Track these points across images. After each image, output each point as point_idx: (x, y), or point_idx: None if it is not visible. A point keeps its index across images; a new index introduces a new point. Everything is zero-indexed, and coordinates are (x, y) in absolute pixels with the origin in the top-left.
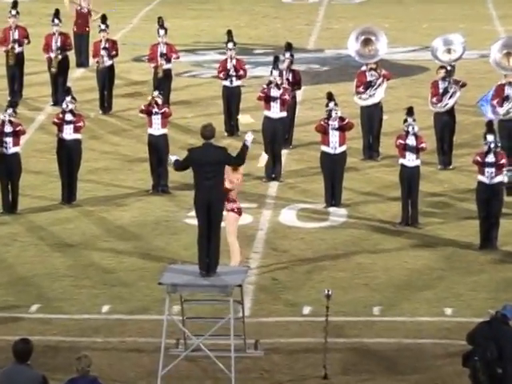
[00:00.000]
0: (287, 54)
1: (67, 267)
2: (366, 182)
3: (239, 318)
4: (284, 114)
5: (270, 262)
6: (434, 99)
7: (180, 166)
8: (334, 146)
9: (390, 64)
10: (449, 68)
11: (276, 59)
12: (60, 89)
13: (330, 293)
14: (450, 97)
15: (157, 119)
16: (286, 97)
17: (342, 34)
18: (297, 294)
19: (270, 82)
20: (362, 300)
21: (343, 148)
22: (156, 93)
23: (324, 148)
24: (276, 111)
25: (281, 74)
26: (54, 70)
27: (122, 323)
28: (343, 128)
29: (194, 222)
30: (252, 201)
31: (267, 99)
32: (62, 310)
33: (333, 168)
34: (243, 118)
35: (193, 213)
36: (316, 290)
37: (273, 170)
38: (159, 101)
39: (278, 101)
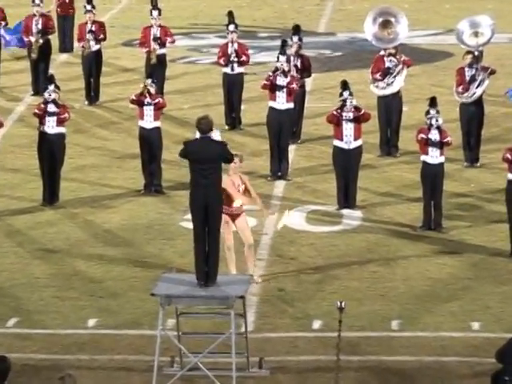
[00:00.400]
0: (295, 38)
1: (49, 276)
2: (384, 181)
3: (241, 334)
4: (291, 104)
5: (275, 270)
6: (460, 88)
7: (182, 154)
8: (348, 140)
9: (410, 49)
10: (476, 53)
11: (283, 43)
12: (41, 76)
13: (343, 305)
14: (478, 85)
15: (149, 110)
16: (294, 86)
17: (357, 16)
18: (306, 306)
19: (276, 69)
20: (378, 313)
21: (358, 142)
22: (148, 81)
23: (337, 142)
24: (282, 102)
25: (288, 60)
26: (34, 55)
27: (111, 339)
28: (358, 119)
29: (191, 225)
30: (258, 188)
31: (272, 88)
32: (43, 324)
33: (346, 165)
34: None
35: (189, 215)
36: (327, 301)
37: (279, 168)
38: (152, 90)
39: (285, 90)
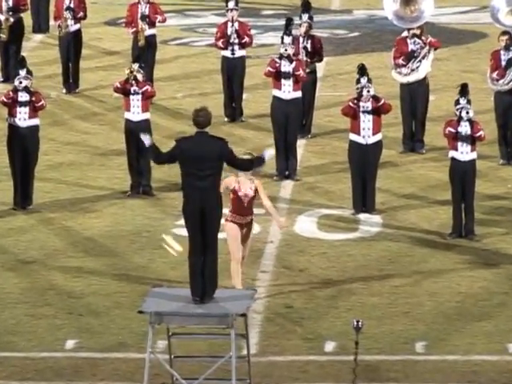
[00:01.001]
0: (305, 17)
1: (21, 291)
2: (407, 181)
3: (243, 357)
4: (298, 93)
5: (282, 283)
6: (495, 74)
7: (163, 157)
8: (366, 135)
9: (438, 29)
10: None
11: (288, 22)
12: (12, 60)
13: (360, 324)
14: None
15: (136, 100)
16: (301, 72)
17: None
18: (317, 325)
19: (281, 55)
20: (401, 333)
21: (378, 137)
22: (135, 66)
23: (353, 137)
24: (288, 90)
25: (294, 42)
26: (4, 36)
27: (93, 363)
28: (378, 111)
29: (185, 232)
30: (259, 205)
31: (277, 75)
32: (14, 346)
33: (364, 163)
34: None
35: (182, 221)
36: (342, 320)
37: (286, 166)
38: (139, 77)
39: (291, 78)
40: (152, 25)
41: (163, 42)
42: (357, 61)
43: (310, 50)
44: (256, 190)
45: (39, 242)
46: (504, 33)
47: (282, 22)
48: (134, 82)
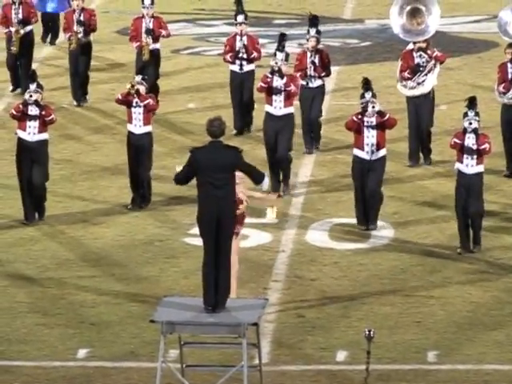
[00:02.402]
0: (312, 31)
1: (33, 300)
2: (418, 192)
3: (254, 366)
4: (290, 109)
5: (294, 293)
6: (501, 87)
7: (183, 175)
8: (370, 150)
9: (450, 38)
10: None
11: (282, 38)
12: (23, 73)
13: (371, 333)
14: None
15: (138, 113)
16: (292, 88)
17: (387, 0)
18: (329, 335)
19: (272, 70)
20: (412, 343)
21: (382, 153)
22: (138, 78)
23: (357, 152)
24: (279, 106)
25: (286, 58)
26: (14, 49)
27: (104, 372)
28: (382, 126)
29: (197, 241)
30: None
31: (269, 91)
32: (26, 355)
33: (367, 179)
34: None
35: (195, 230)
36: (354, 329)
37: (279, 184)
38: (142, 89)
39: (282, 93)
40: (156, 39)
41: (175, 52)
42: (368, 70)
43: (318, 64)
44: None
45: (51, 251)
46: (510, 45)
47: (294, 31)
48: (135, 94)
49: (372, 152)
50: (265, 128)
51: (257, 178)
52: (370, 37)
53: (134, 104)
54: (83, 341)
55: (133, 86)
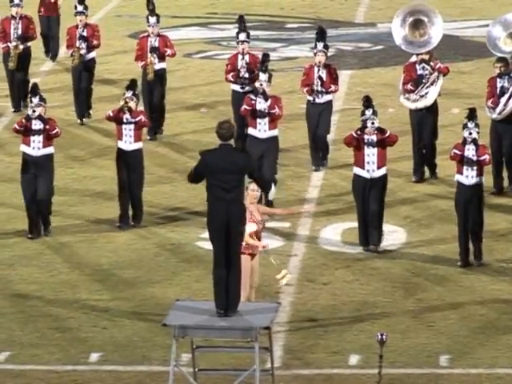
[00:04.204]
0: (320, 45)
1: (45, 303)
2: (430, 196)
3: (267, 370)
4: (274, 132)
5: (306, 297)
6: (490, 102)
7: (194, 176)
8: (371, 168)
9: (462, 42)
10: (510, 60)
11: (265, 58)
12: (18, 89)
13: (384, 337)
14: (509, 99)
15: (128, 130)
16: (276, 110)
17: (400, 4)
18: (341, 338)
19: (256, 91)
20: (425, 347)
21: (382, 171)
22: (129, 93)
23: (357, 170)
24: (264, 129)
25: (270, 80)
26: (12, 64)
27: (117, 376)
28: (383, 143)
29: (209, 245)
30: (283, 219)
31: (253, 114)
32: (38, 359)
33: (368, 198)
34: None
35: (206, 233)
36: (366, 333)
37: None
38: (132, 105)
39: (266, 116)
40: (162, 58)
41: (187, 56)
42: (381, 74)
43: (325, 79)
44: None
45: (63, 255)
46: (499, 60)
47: (307, 35)
48: (127, 111)
49: (372, 170)
50: (248, 151)
51: (265, 185)
52: (382, 41)
53: (125, 120)
54: (95, 345)
55: (126, 103)
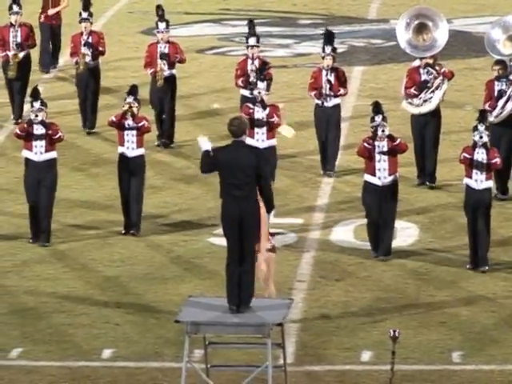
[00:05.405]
0: (328, 49)
1: (58, 300)
2: (443, 192)
3: (279, 366)
4: (273, 141)
5: (319, 293)
6: (487, 105)
7: (206, 166)
8: (382, 176)
9: (475, 38)
10: (511, 63)
11: (264, 67)
12: (17, 98)
13: (396, 334)
14: (506, 102)
15: (131, 135)
16: (275, 119)
17: (412, 1)
18: (354, 334)
19: (254, 101)
20: (437, 343)
21: (394, 178)
22: (130, 99)
23: (368, 177)
24: (262, 139)
25: (268, 88)
26: (12, 73)
27: (129, 372)
28: (394, 151)
29: (221, 241)
30: (296, 214)
31: (251, 123)
32: (51, 355)
33: (379, 205)
34: (285, 130)
35: (219, 230)
36: (379, 330)
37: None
38: (135, 110)
39: (264, 125)
40: (172, 65)
41: (200, 52)
42: (393, 70)
43: (333, 82)
44: None
45: (75, 251)
46: (497, 62)
47: (319, 30)
48: (130, 116)
49: (384, 178)
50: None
51: (268, 200)
52: (394, 37)
53: (127, 126)
54: (108, 341)
55: (130, 107)
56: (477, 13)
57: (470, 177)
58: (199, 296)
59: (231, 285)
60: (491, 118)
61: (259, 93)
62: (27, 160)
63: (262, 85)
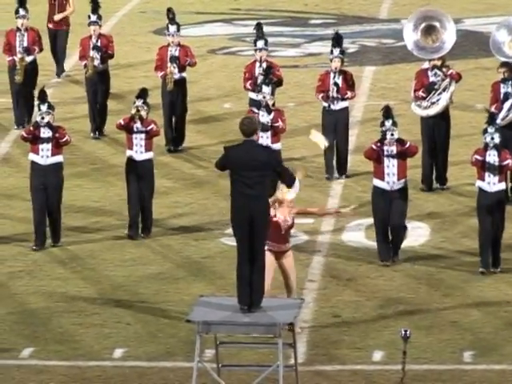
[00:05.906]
0: (336, 51)
1: (69, 299)
2: (455, 194)
3: (290, 366)
4: (277, 146)
5: (330, 293)
6: (493, 107)
7: (219, 165)
8: (391, 180)
9: (486, 38)
10: None
11: (268, 71)
12: (23, 102)
13: (408, 334)
14: None
15: (139, 139)
16: (280, 124)
17: (423, 0)
18: (365, 334)
19: (260, 105)
20: (449, 343)
21: (403, 183)
22: (139, 102)
23: (377, 182)
24: (266, 143)
25: (273, 92)
26: (19, 78)
27: (140, 372)
28: (403, 155)
29: (232, 241)
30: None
31: None
32: (62, 354)
33: (388, 210)
34: (318, 137)
35: (230, 229)
36: (390, 329)
37: None
38: (144, 114)
39: (269, 130)
40: (182, 68)
41: (211, 52)
42: (404, 70)
43: (341, 85)
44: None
45: (86, 251)
46: (503, 64)
47: (330, 30)
48: (138, 120)
49: (393, 182)
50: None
51: (288, 181)
52: None
53: (135, 129)
54: (119, 340)
55: (138, 111)
56: (488, 12)
57: (483, 179)
58: (210, 296)
59: (242, 284)
60: (497, 121)
61: (264, 97)
62: (33, 163)
63: (266, 89)
